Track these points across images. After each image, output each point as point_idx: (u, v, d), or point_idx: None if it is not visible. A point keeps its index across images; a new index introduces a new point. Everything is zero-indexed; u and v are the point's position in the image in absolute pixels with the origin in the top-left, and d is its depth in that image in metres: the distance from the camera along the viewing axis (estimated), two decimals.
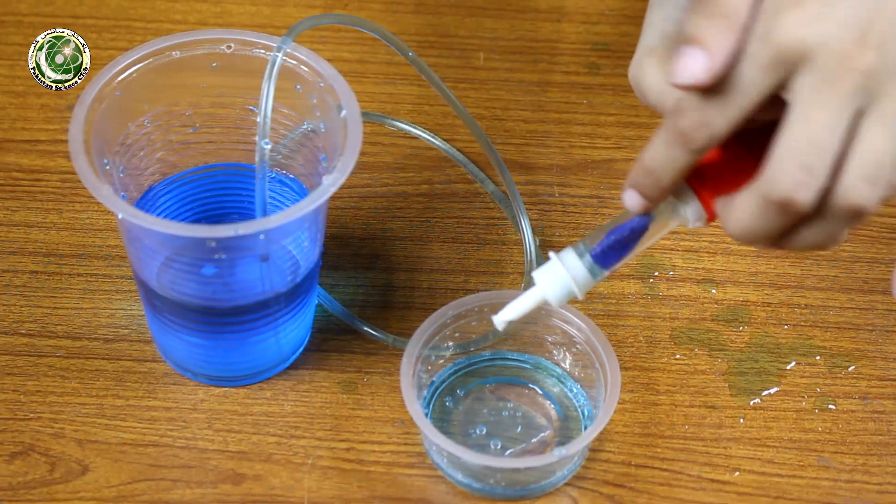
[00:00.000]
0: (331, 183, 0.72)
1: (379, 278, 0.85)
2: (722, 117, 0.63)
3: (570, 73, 0.95)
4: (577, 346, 0.78)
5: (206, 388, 0.79)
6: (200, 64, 0.77)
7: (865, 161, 0.62)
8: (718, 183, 0.66)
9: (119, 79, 0.75)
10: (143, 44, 0.76)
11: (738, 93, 0.62)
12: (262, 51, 0.77)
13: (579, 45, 0.97)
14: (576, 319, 0.78)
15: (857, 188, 0.62)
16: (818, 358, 0.82)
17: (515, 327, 0.77)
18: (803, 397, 0.80)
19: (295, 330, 0.79)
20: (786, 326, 0.83)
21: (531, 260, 0.84)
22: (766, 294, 0.84)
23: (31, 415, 0.78)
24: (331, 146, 0.75)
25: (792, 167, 0.62)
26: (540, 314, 0.78)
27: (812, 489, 0.77)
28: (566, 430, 0.78)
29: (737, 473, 0.77)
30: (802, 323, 0.83)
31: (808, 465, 0.77)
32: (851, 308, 0.84)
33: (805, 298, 0.84)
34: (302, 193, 0.80)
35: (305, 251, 0.77)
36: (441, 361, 0.80)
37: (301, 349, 0.81)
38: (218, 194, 0.81)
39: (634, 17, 0.98)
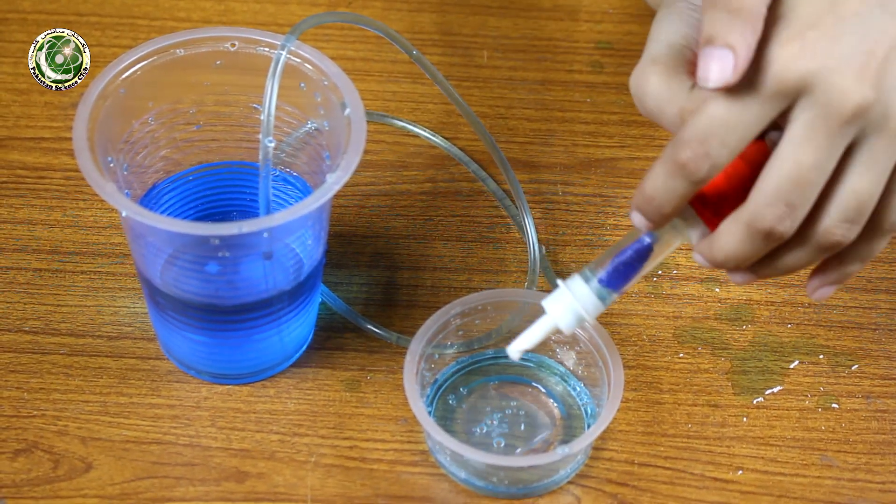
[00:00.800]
0: (334, 181, 0.72)
1: (382, 276, 0.84)
2: (724, 148, 0.64)
3: (574, 71, 0.95)
4: (581, 344, 0.78)
5: (209, 385, 0.79)
6: (204, 62, 0.77)
7: (847, 202, 0.65)
8: (720, 205, 0.67)
9: (123, 76, 0.75)
10: (146, 41, 0.76)
11: (740, 123, 0.63)
12: (266, 49, 0.77)
13: (583, 44, 0.97)
14: None
15: (837, 227, 0.65)
16: (821, 357, 0.82)
17: (519, 325, 0.77)
18: (806, 396, 0.80)
19: (298, 328, 0.79)
20: (789, 325, 0.83)
21: (534, 258, 0.84)
22: (770, 293, 0.84)
23: (35, 412, 0.78)
24: (334, 144, 0.75)
25: (777, 201, 0.64)
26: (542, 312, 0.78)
27: (815, 488, 0.77)
28: (569, 429, 0.78)
29: (740, 472, 0.77)
30: (806, 322, 0.83)
31: (811, 464, 0.77)
32: (855, 307, 0.84)
33: (808, 297, 0.84)
34: (305, 192, 0.80)
35: (309, 249, 0.77)
36: (444, 360, 0.79)
37: (304, 347, 0.81)
38: (222, 192, 0.81)
39: (638, 15, 0.98)
